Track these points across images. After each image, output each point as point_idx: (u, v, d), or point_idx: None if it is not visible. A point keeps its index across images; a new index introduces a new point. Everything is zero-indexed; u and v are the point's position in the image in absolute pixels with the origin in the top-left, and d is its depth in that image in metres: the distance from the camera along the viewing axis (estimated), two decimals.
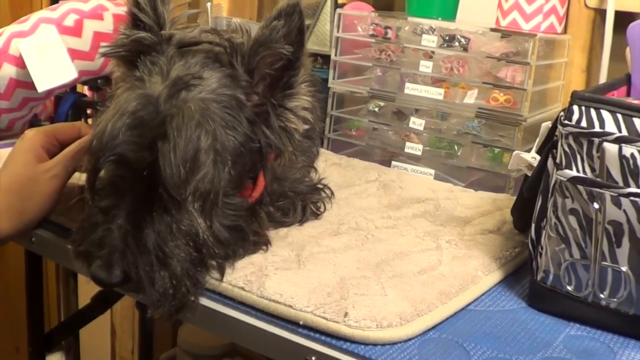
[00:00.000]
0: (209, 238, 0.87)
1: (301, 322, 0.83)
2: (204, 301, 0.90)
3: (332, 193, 1.19)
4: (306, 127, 0.97)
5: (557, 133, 0.91)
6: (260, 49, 0.92)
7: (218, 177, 0.86)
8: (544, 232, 0.92)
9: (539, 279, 0.93)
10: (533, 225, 0.95)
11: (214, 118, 0.88)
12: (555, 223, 0.89)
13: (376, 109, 1.50)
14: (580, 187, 0.85)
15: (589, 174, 0.85)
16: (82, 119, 1.55)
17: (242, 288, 0.89)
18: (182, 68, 0.91)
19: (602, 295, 0.87)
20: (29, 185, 1.00)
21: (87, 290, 0.90)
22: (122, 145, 0.85)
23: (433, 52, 1.40)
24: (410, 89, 1.42)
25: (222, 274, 0.90)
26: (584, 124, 0.85)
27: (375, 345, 0.81)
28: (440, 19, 1.46)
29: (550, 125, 0.98)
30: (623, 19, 1.38)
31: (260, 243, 0.99)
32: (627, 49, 1.17)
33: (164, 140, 0.84)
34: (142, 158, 0.85)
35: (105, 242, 0.84)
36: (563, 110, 0.89)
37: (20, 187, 1.00)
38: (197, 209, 0.86)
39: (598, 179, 0.84)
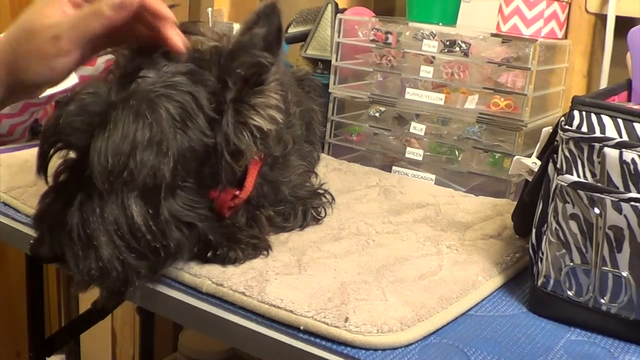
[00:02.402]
0: (153, 227, 0.85)
1: (302, 327, 0.83)
2: (204, 306, 0.90)
3: (333, 198, 1.19)
4: (272, 127, 0.93)
5: (557, 138, 0.91)
6: (240, 52, 0.90)
7: (159, 171, 0.84)
8: (544, 237, 0.92)
9: (539, 284, 0.93)
10: (534, 231, 0.95)
11: (157, 110, 0.85)
12: (556, 228, 0.89)
13: (377, 114, 1.50)
14: (581, 192, 0.85)
15: (590, 179, 0.85)
16: None
17: (243, 293, 0.89)
18: (144, 63, 0.90)
19: (602, 301, 0.87)
20: (26, 39, 0.88)
21: (88, 295, 0.90)
22: (65, 130, 0.86)
23: (434, 57, 1.40)
24: (411, 94, 1.42)
25: (157, 269, 0.90)
26: (584, 129, 0.85)
27: (375, 350, 0.81)
28: (441, 24, 1.46)
29: (551, 131, 0.98)
30: (624, 24, 1.38)
31: (261, 248, 0.99)
32: (628, 54, 1.17)
33: (100, 129, 0.84)
34: (84, 142, 0.85)
35: (43, 219, 0.87)
36: (564, 115, 0.89)
37: (16, 39, 0.89)
38: (136, 196, 0.85)
39: (599, 184, 0.84)
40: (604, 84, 1.46)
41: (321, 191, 1.18)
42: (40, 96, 1.38)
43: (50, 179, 0.91)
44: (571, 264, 0.88)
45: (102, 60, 1.51)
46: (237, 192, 0.98)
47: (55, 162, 0.90)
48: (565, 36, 1.53)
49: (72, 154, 0.89)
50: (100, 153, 0.82)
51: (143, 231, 0.85)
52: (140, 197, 0.85)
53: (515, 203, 1.08)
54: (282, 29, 0.92)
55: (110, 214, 0.84)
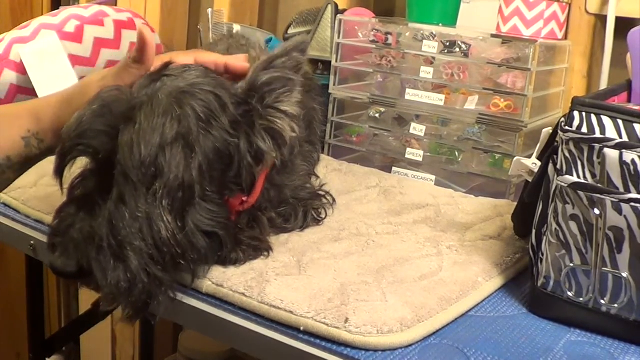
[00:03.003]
0: (180, 239, 0.85)
1: (302, 328, 0.83)
2: (204, 307, 0.90)
3: (334, 199, 1.19)
4: (293, 135, 0.96)
5: (557, 139, 0.91)
6: (271, 69, 0.94)
7: (187, 169, 0.84)
8: (544, 238, 0.92)
9: (539, 284, 0.93)
10: (534, 231, 0.95)
11: (184, 108, 0.86)
12: (555, 229, 0.89)
13: (377, 115, 1.50)
14: (581, 193, 0.85)
15: (590, 180, 0.85)
16: None
17: (243, 294, 0.89)
18: (165, 67, 0.92)
19: (602, 301, 0.87)
20: (81, 93, 0.95)
21: (87, 296, 0.89)
22: (87, 133, 0.85)
23: (434, 58, 1.40)
24: (411, 94, 1.42)
25: (194, 277, 0.90)
26: (584, 129, 0.85)
27: (375, 351, 0.81)
28: (441, 24, 1.46)
29: (551, 131, 0.98)
30: (624, 24, 1.38)
31: (262, 249, 0.99)
32: (628, 55, 1.17)
33: (127, 124, 0.83)
34: (107, 146, 0.84)
35: (66, 232, 0.84)
36: (564, 116, 0.89)
37: (73, 96, 0.95)
38: (166, 206, 0.83)
39: (599, 185, 0.84)
40: (604, 84, 1.46)
41: (322, 192, 1.18)
42: (40, 97, 1.38)
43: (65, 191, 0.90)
44: (571, 264, 0.88)
45: (103, 61, 1.52)
46: (245, 198, 0.98)
47: (67, 173, 0.89)
48: (565, 37, 1.53)
49: (89, 165, 0.88)
50: (131, 144, 0.82)
51: (170, 244, 0.84)
52: (168, 206, 0.84)
53: (515, 204, 1.08)
54: (304, 63, 0.97)
55: (140, 220, 0.83)
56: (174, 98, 0.87)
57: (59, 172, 0.89)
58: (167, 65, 0.92)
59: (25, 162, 1.00)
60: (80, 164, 0.90)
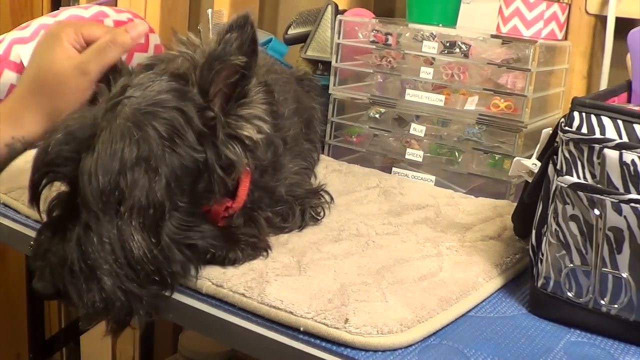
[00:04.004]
0: (154, 254, 0.85)
1: (302, 329, 0.83)
2: (204, 307, 0.90)
3: (332, 198, 1.19)
4: (261, 136, 0.94)
5: (557, 139, 0.91)
6: (215, 63, 0.90)
7: (152, 190, 0.84)
8: (544, 238, 0.92)
9: (539, 285, 0.93)
10: (534, 232, 0.95)
11: (144, 129, 0.85)
12: (555, 229, 0.89)
13: (377, 116, 1.50)
14: (581, 194, 0.85)
15: (590, 181, 0.85)
16: None
17: (243, 294, 0.89)
18: (128, 82, 0.91)
19: (602, 302, 0.87)
20: (58, 83, 0.95)
21: None
22: (55, 160, 0.85)
23: (434, 58, 1.40)
24: (411, 95, 1.42)
25: (172, 290, 0.89)
26: (584, 130, 0.85)
27: (375, 351, 0.81)
28: (441, 25, 1.46)
29: (551, 132, 0.98)
30: (624, 25, 1.38)
31: (260, 247, 0.99)
32: (628, 56, 1.17)
33: (88, 153, 0.83)
34: (73, 172, 0.84)
35: (43, 256, 0.85)
36: (564, 116, 0.89)
37: (48, 85, 0.95)
38: (137, 225, 0.84)
39: (599, 186, 0.84)
40: (604, 85, 1.46)
41: (319, 191, 1.18)
42: None
43: (43, 214, 0.91)
44: (571, 265, 0.88)
45: None
46: (230, 203, 0.98)
47: (46, 194, 0.90)
48: (565, 37, 1.53)
49: (63, 187, 0.89)
50: (89, 173, 0.82)
51: (144, 261, 0.84)
52: (139, 225, 0.84)
53: (515, 204, 1.08)
54: (256, 39, 0.91)
55: (108, 242, 0.83)
56: (132, 122, 0.85)
57: (34, 201, 0.90)
58: (125, 87, 0.90)
59: (8, 162, 1.01)
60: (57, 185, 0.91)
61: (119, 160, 0.83)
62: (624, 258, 0.84)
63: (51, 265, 0.84)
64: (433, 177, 1.41)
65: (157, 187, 0.85)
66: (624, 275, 0.85)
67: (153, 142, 0.85)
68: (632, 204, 0.82)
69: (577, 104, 0.87)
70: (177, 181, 0.87)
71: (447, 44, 1.37)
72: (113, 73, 0.98)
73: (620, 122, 0.83)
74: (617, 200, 0.82)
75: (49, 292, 0.85)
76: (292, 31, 1.67)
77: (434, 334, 0.86)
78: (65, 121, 0.88)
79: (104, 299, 0.83)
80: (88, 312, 0.83)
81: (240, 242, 0.97)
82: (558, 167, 0.89)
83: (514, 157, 1.17)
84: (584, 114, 0.86)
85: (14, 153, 0.99)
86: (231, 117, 0.92)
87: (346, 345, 0.81)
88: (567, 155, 0.87)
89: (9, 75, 1.38)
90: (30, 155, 1.34)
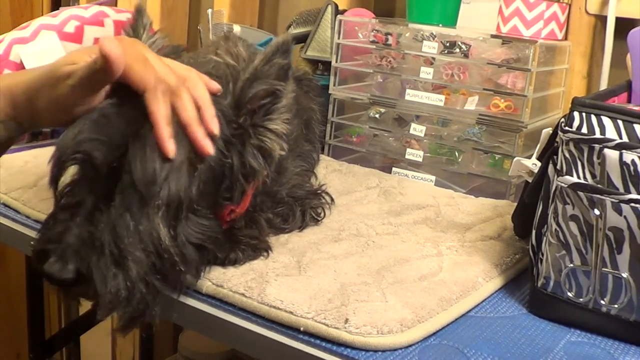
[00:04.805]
0: (173, 248, 0.85)
1: (302, 329, 0.83)
2: (204, 307, 0.90)
3: (332, 199, 1.19)
4: (282, 153, 0.96)
5: (557, 139, 0.91)
6: (257, 82, 0.92)
7: (189, 186, 0.85)
8: (544, 238, 0.92)
9: (539, 285, 0.93)
10: (534, 232, 0.95)
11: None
12: (555, 229, 0.89)
13: (377, 116, 1.50)
14: (581, 194, 0.85)
15: (590, 181, 0.85)
16: None
17: (243, 294, 0.89)
18: None
19: (602, 302, 0.87)
20: (50, 86, 0.90)
21: None
22: (87, 144, 0.84)
23: (434, 58, 1.40)
24: (411, 95, 1.42)
25: (181, 289, 0.89)
26: (584, 130, 0.85)
27: (375, 351, 0.81)
28: (441, 25, 1.46)
29: (551, 132, 0.98)
30: (624, 25, 1.38)
31: (261, 248, 0.99)
32: (628, 55, 1.17)
33: (136, 138, 0.83)
34: (109, 156, 0.83)
35: (61, 238, 0.81)
36: (564, 116, 0.90)
37: (44, 82, 0.91)
38: (161, 216, 0.84)
39: (599, 186, 0.84)
40: (604, 85, 1.46)
41: (319, 192, 1.18)
42: None
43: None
44: (571, 265, 0.88)
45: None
46: (234, 207, 0.98)
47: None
48: (566, 37, 1.53)
49: (79, 174, 0.87)
50: (143, 159, 0.82)
51: (170, 252, 0.84)
52: (164, 217, 0.84)
53: (515, 204, 1.08)
54: (290, 66, 0.95)
55: (141, 228, 0.83)
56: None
57: (55, 181, 0.89)
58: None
59: (4, 147, 0.99)
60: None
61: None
62: (624, 258, 0.84)
63: (73, 247, 0.81)
64: (433, 177, 1.41)
65: (193, 185, 0.86)
66: (624, 275, 0.85)
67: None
68: (632, 204, 0.82)
69: (577, 104, 0.87)
70: (205, 183, 0.88)
71: (447, 44, 1.37)
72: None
73: (620, 122, 0.83)
74: (617, 200, 0.82)
75: (67, 277, 0.80)
76: (292, 31, 1.67)
77: (434, 334, 0.86)
78: (98, 108, 0.87)
79: (127, 288, 0.81)
80: (111, 300, 0.81)
81: (241, 243, 0.97)
82: (558, 167, 0.89)
83: (514, 157, 1.17)
84: (584, 114, 0.86)
85: (6, 134, 0.96)
86: (258, 129, 0.94)
87: (346, 345, 0.81)
88: (567, 155, 0.87)
89: None
90: (28, 155, 1.34)
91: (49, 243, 0.83)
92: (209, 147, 0.87)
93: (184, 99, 0.87)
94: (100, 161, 0.84)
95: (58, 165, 0.87)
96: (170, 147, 0.83)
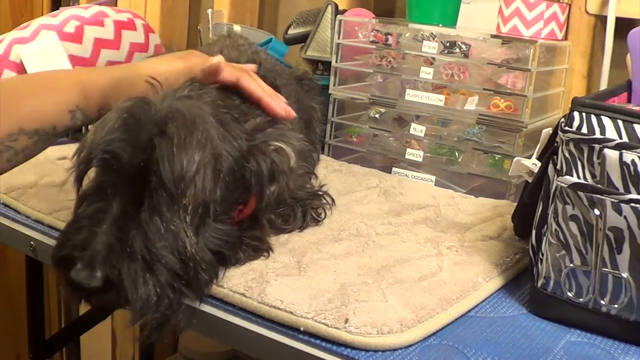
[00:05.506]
0: (196, 252, 0.84)
1: (302, 329, 0.83)
2: (204, 307, 0.90)
3: (333, 200, 1.19)
4: (295, 166, 0.98)
5: (557, 139, 0.91)
6: None
7: (214, 189, 0.86)
8: (544, 238, 0.92)
9: (539, 285, 0.93)
10: (534, 232, 0.95)
11: (209, 129, 0.87)
12: (555, 229, 0.89)
13: (377, 116, 1.50)
14: (581, 194, 0.85)
15: (590, 181, 0.85)
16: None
17: (243, 294, 0.89)
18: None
19: (602, 302, 0.87)
20: (128, 82, 0.97)
21: None
22: (116, 143, 0.84)
23: (434, 58, 1.40)
24: (411, 95, 1.42)
25: (202, 295, 0.88)
26: (584, 130, 0.85)
27: (375, 351, 0.81)
28: (441, 25, 1.46)
29: (551, 132, 0.98)
30: (624, 25, 1.38)
31: (262, 249, 0.99)
32: (628, 55, 1.17)
33: (163, 137, 0.83)
34: (135, 158, 0.83)
35: (87, 245, 0.80)
36: (564, 116, 0.89)
37: (120, 82, 0.98)
38: (188, 222, 0.84)
39: (599, 185, 0.84)
40: (604, 85, 1.46)
41: (320, 192, 1.18)
42: None
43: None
44: (571, 265, 0.88)
45: (103, 61, 1.52)
46: (241, 207, 0.99)
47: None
48: (565, 37, 1.53)
49: (100, 177, 0.86)
50: (171, 158, 0.82)
51: (195, 258, 0.84)
52: (190, 220, 0.84)
53: (515, 204, 1.08)
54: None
55: (172, 229, 0.82)
56: (200, 116, 0.88)
57: (80, 179, 0.88)
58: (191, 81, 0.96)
59: (64, 134, 1.01)
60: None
61: (201, 151, 0.85)
62: (624, 258, 0.84)
63: (101, 253, 0.79)
64: (433, 177, 1.41)
65: (218, 186, 0.87)
66: (624, 275, 0.85)
67: (219, 143, 0.88)
68: (632, 204, 0.82)
69: (577, 104, 0.87)
70: (227, 187, 0.89)
71: (447, 44, 1.37)
72: None
73: (620, 122, 0.83)
74: (617, 200, 0.82)
75: (95, 285, 0.78)
76: (292, 31, 1.67)
77: (434, 334, 0.86)
78: (124, 104, 0.87)
79: (157, 294, 0.80)
80: (142, 306, 0.80)
81: (243, 244, 0.97)
82: (558, 167, 0.89)
83: (514, 157, 1.17)
84: (584, 114, 0.86)
85: (73, 123, 0.98)
86: (269, 145, 0.95)
87: (346, 345, 0.81)
88: (567, 155, 0.87)
89: (9, 75, 1.38)
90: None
91: (73, 250, 0.81)
92: (291, 110, 1.01)
93: (258, 80, 1.03)
94: (127, 162, 0.84)
95: (86, 163, 0.87)
96: (289, 108, 0.99)
